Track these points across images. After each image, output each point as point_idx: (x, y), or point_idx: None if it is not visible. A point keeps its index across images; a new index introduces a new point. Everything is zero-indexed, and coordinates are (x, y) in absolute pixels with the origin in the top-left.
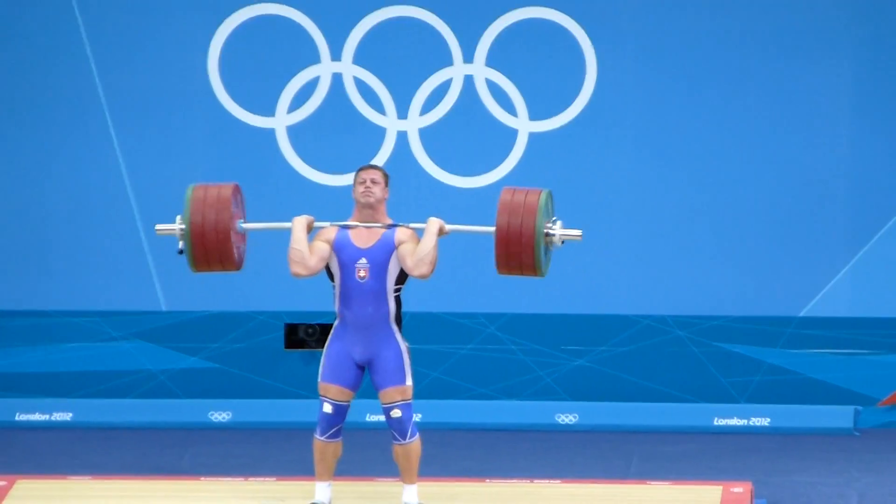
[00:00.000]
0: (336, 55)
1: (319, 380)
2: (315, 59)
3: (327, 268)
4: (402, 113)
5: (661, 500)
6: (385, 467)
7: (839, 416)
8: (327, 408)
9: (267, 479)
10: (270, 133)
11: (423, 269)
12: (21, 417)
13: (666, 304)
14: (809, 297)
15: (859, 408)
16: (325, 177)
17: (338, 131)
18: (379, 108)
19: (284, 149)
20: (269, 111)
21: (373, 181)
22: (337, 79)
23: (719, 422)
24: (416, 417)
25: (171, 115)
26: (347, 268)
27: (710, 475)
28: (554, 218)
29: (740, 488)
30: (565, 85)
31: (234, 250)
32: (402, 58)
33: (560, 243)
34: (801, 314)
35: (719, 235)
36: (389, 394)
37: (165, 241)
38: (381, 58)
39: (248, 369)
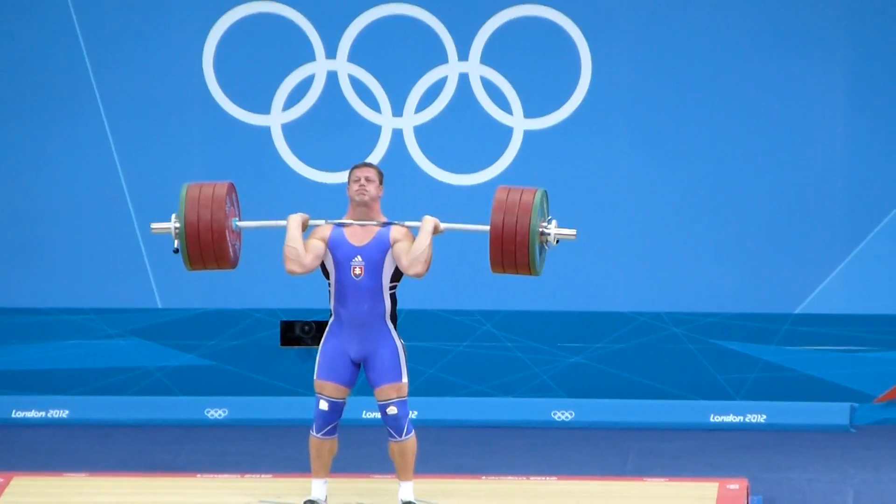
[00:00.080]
0: (331, 53)
1: (315, 377)
2: (310, 56)
3: (323, 265)
4: (398, 111)
5: (658, 497)
6: (381, 464)
7: (835, 412)
8: (323, 405)
9: (263, 475)
10: (266, 131)
11: (418, 269)
12: (17, 415)
13: (662, 301)
14: (805, 294)
15: (855, 404)
16: (321, 174)
17: (333, 129)
18: (374, 105)
19: (280, 146)
20: (264, 109)
21: (367, 179)
22: (332, 77)
23: (715, 418)
24: (412, 414)
25: (166, 112)
26: (343, 266)
27: (707, 472)
28: (549, 217)
29: (736, 485)
30: (560, 83)
31: (230, 249)
32: (397, 56)
33: (555, 242)
34: (797, 311)
35: (715, 232)
36: (385, 391)
37: (161, 238)
38: (376, 55)
39: (244, 366)
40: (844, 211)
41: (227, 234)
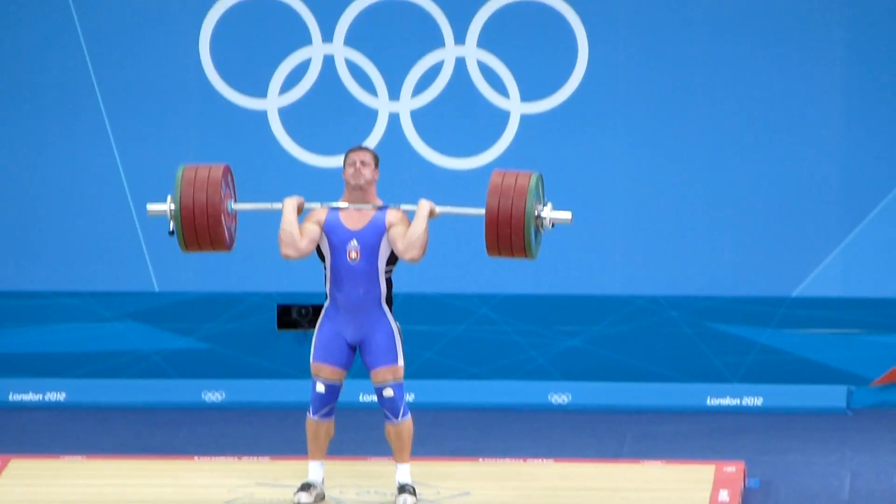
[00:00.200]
0: (327, 37)
1: (311, 360)
2: (306, 40)
3: (318, 249)
4: (394, 95)
5: (654, 480)
6: (378, 447)
7: (832, 395)
8: (320, 387)
9: (260, 458)
10: (262, 115)
11: (414, 253)
12: (14, 397)
13: (659, 284)
14: (802, 277)
15: (852, 387)
16: (317, 158)
17: (329, 113)
18: (370, 89)
19: (276, 130)
20: (260, 93)
21: (363, 163)
22: (328, 61)
23: (712, 401)
24: (409, 397)
25: (163, 96)
26: (338, 249)
27: (703, 455)
28: (545, 200)
29: (733, 467)
30: (557, 67)
31: (225, 231)
32: (394, 39)
33: (550, 226)
34: (794, 294)
35: (712, 216)
36: (381, 374)
37: (158, 221)
38: (372, 40)
39: (241, 350)
40: (841, 194)
41: (222, 216)
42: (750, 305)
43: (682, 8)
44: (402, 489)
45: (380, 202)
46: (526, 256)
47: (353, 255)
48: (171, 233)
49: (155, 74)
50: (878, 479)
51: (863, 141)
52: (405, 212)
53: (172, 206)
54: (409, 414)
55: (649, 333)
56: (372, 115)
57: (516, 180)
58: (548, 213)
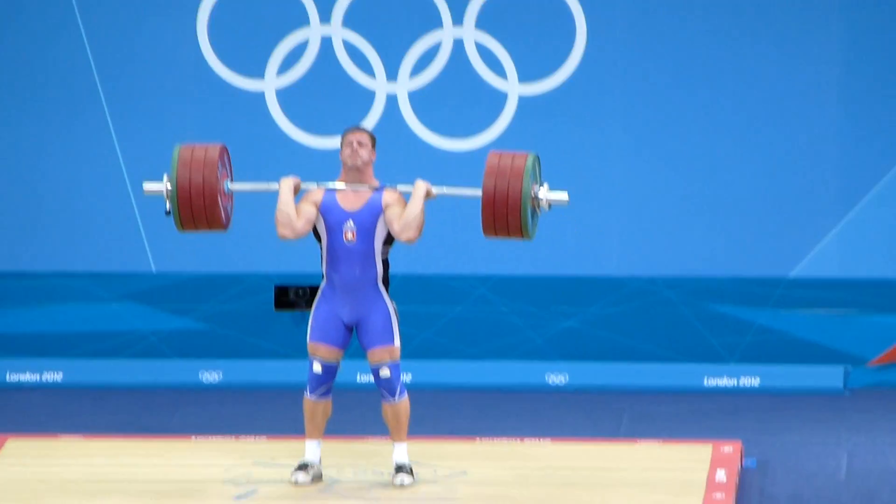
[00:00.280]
0: (325, 18)
1: (308, 339)
2: (304, 21)
3: (314, 230)
4: (392, 76)
5: (651, 460)
6: (375, 427)
7: (829, 375)
8: (316, 367)
9: (257, 438)
10: (260, 96)
11: (410, 234)
12: (11, 377)
13: (656, 265)
14: (799, 258)
15: (849, 367)
16: (314, 139)
17: (327, 94)
18: (368, 70)
19: (273, 111)
20: (258, 74)
21: (360, 143)
22: (326, 42)
23: (709, 382)
24: (406, 378)
25: (160, 77)
26: (334, 230)
27: (700, 434)
28: (541, 181)
29: (730, 447)
30: (555, 48)
31: (221, 211)
32: (392, 20)
33: (547, 207)
34: (791, 275)
35: (709, 196)
36: (377, 353)
37: (155, 202)
38: (370, 20)
39: (238, 330)
40: (839, 174)
41: (218, 196)
42: (747, 286)
43: None
44: (399, 469)
45: (376, 183)
46: (523, 237)
47: (350, 235)
48: (168, 213)
49: (153, 55)
50: (874, 458)
51: (860, 121)
52: (402, 193)
53: (169, 186)
54: (406, 394)
55: (646, 314)
56: (369, 96)
57: (513, 161)
58: (544, 193)
